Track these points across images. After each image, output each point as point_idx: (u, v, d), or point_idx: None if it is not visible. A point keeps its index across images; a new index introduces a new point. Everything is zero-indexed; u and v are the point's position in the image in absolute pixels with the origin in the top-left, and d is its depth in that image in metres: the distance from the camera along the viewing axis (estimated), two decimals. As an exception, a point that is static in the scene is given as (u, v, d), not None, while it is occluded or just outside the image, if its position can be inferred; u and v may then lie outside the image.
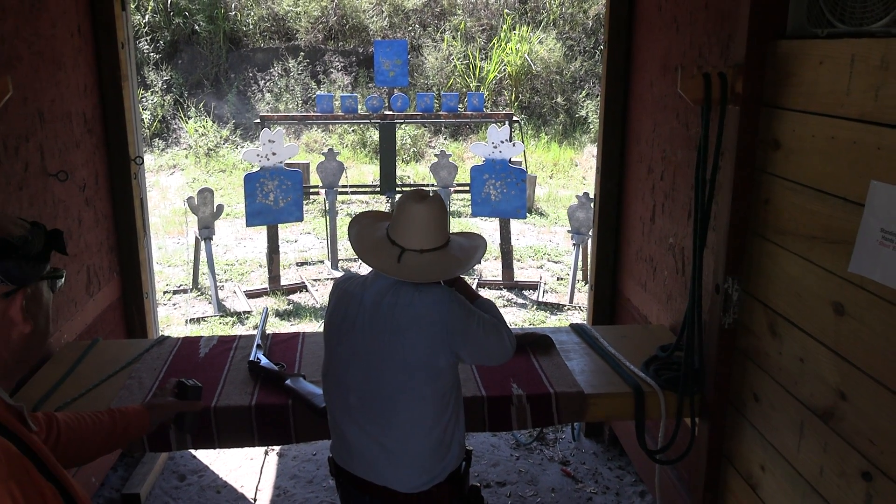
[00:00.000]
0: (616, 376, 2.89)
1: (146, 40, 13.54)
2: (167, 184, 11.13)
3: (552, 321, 6.24)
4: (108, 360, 3.03)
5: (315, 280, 7.16)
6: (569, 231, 6.89)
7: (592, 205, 6.35)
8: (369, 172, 11.46)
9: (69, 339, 3.29)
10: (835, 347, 2.02)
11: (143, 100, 12.80)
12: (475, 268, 7.03)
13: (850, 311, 1.95)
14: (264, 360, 2.86)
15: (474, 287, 6.87)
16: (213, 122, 12.90)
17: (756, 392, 2.44)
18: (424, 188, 9.32)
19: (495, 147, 6.87)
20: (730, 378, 2.61)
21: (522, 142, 8.03)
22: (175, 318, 6.26)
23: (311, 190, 9.15)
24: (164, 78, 13.33)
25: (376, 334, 2.06)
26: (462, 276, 2.37)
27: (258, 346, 2.98)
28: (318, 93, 9.34)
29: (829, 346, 2.05)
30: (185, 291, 6.86)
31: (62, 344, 3.22)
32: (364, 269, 4.52)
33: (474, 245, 2.21)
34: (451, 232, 2.20)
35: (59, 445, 1.62)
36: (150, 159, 11.88)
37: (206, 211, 6.53)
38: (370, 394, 2.09)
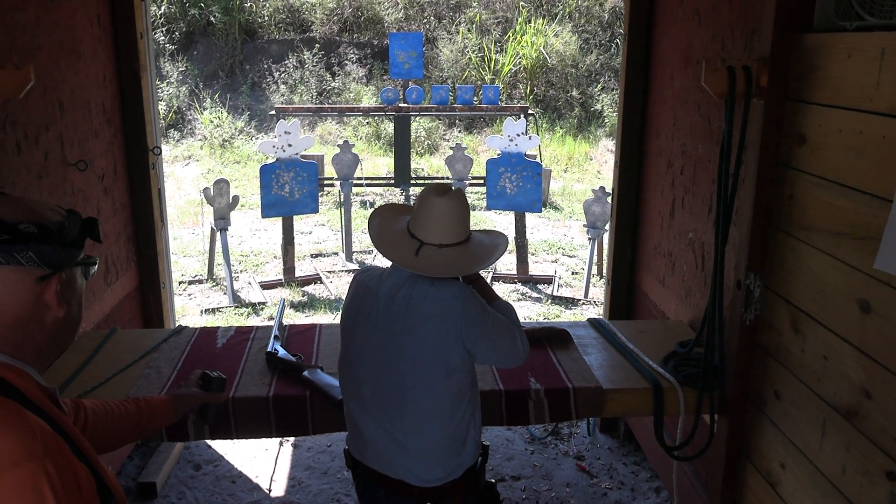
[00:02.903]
0: (634, 372, 2.87)
1: (162, 31, 13.57)
2: (182, 174, 11.17)
3: (567, 315, 6.23)
4: (127, 350, 3.05)
5: (329, 272, 7.16)
6: (584, 225, 6.86)
7: (609, 199, 6.32)
8: (384, 165, 11.45)
9: (87, 328, 3.31)
10: (860, 345, 2.00)
11: (159, 91, 12.82)
12: (490, 261, 7.01)
13: (876, 308, 1.93)
14: (282, 352, 2.86)
15: (489, 280, 6.87)
16: (228, 114, 12.93)
17: (777, 389, 2.42)
18: (441, 181, 9.30)
19: (511, 140, 6.84)
20: (750, 375, 2.59)
21: (538, 135, 8.00)
22: (190, 308, 6.28)
23: (326, 182, 9.16)
24: (180, 69, 13.37)
25: (390, 327, 2.05)
26: (482, 276, 2.35)
27: (276, 337, 2.98)
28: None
29: (853, 344, 2.02)
30: (200, 282, 6.88)
31: (80, 333, 3.24)
32: (381, 262, 4.54)
33: (495, 243, 2.18)
34: (472, 228, 2.18)
35: (85, 432, 1.64)
36: (165, 150, 11.91)
37: (221, 202, 6.54)
38: (383, 387, 2.09)
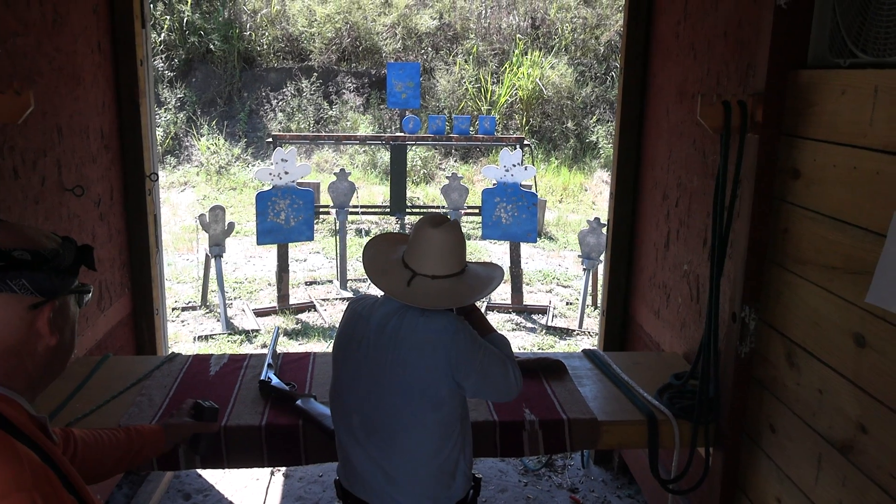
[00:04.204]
0: (629, 404, 2.86)
1: (161, 58, 13.67)
2: (178, 201, 11.18)
3: (561, 346, 6.21)
4: (119, 376, 3.02)
5: (324, 300, 7.15)
6: (579, 256, 6.87)
7: (604, 230, 6.33)
8: (379, 193, 11.48)
9: (79, 355, 3.29)
10: (855, 380, 1.99)
11: (157, 117, 12.88)
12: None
13: (871, 342, 1.93)
14: (275, 380, 2.84)
15: (483, 310, 6.85)
16: (225, 141, 12.98)
17: (772, 423, 2.41)
18: (437, 210, 9.33)
19: (507, 170, 6.88)
20: (745, 408, 2.58)
21: (533, 165, 8.04)
22: (183, 334, 6.25)
23: (322, 209, 9.19)
24: (178, 96, 13.44)
25: (379, 357, 2.04)
26: (477, 308, 2.34)
27: (269, 365, 2.96)
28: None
29: (849, 378, 2.02)
30: (193, 308, 6.85)
31: (72, 359, 3.21)
32: (375, 290, 4.54)
33: (490, 276, 2.16)
34: (468, 261, 2.17)
35: (75, 461, 1.62)
36: (161, 176, 11.91)
37: (217, 228, 6.54)
38: (371, 417, 2.07)
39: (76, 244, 1.30)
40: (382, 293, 2.12)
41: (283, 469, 4.07)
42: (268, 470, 4.05)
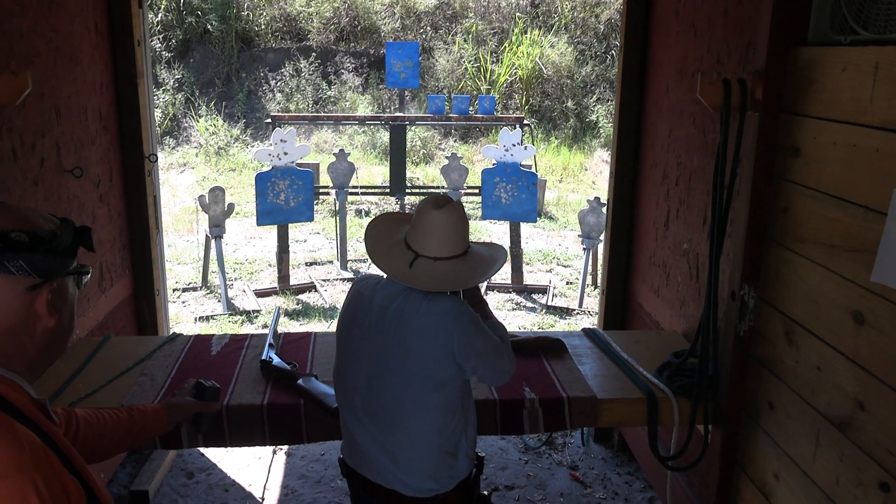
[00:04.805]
0: (629, 382, 2.87)
1: (158, 39, 13.59)
2: (177, 182, 11.16)
3: (561, 325, 6.23)
4: (120, 357, 3.04)
5: (324, 280, 7.16)
6: (579, 235, 6.87)
7: (604, 209, 6.33)
8: (379, 174, 11.46)
9: (81, 335, 3.30)
10: (853, 357, 2.00)
11: (155, 98, 12.80)
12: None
13: (869, 320, 1.94)
14: (276, 360, 2.85)
15: (484, 290, 6.87)
16: (224, 121, 12.93)
17: (771, 400, 2.43)
18: (436, 190, 9.31)
19: (507, 150, 6.86)
20: (744, 385, 2.60)
21: (533, 145, 8.01)
22: (184, 315, 6.27)
23: (322, 190, 9.17)
24: (176, 76, 13.38)
25: (381, 339, 2.04)
26: (478, 289, 2.34)
27: (270, 345, 2.98)
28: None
29: (847, 356, 2.03)
30: (194, 289, 6.87)
31: (74, 340, 3.23)
32: (377, 270, 4.54)
33: (493, 257, 2.15)
34: (471, 241, 2.16)
35: (77, 441, 1.62)
36: (160, 157, 11.86)
37: (216, 209, 6.54)
38: (373, 398, 2.08)
39: (74, 225, 1.30)
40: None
41: (286, 448, 4.11)
42: (270, 449, 4.08)
